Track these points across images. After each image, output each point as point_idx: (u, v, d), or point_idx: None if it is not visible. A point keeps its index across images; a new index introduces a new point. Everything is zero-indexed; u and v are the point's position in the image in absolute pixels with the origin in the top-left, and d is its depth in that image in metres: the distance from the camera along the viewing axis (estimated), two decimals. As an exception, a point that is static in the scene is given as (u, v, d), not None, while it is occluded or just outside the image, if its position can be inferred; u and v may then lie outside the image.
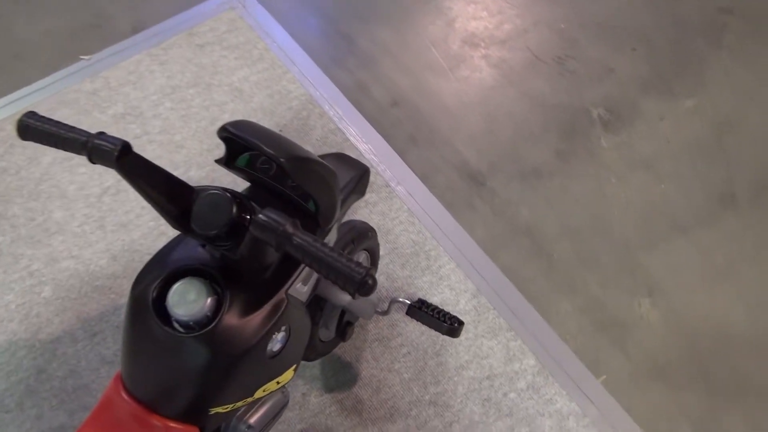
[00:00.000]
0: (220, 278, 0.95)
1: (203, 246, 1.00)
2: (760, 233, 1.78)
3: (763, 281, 1.70)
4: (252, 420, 1.16)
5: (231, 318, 0.93)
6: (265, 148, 0.94)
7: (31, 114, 0.90)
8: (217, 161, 1.07)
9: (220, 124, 1.91)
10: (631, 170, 1.89)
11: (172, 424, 0.97)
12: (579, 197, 1.84)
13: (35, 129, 0.89)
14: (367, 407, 1.52)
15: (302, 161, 0.96)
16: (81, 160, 1.86)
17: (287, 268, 1.03)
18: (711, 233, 1.78)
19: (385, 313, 1.46)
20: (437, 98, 2.03)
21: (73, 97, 1.98)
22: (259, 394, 1.08)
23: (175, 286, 0.92)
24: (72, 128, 0.89)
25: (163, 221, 1.72)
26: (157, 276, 0.95)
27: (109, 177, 1.83)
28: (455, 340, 1.61)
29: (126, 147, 0.87)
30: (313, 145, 1.90)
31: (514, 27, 2.21)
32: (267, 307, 0.99)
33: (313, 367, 1.56)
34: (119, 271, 1.70)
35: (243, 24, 2.15)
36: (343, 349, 1.59)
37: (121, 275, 1.70)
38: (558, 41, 2.18)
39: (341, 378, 1.56)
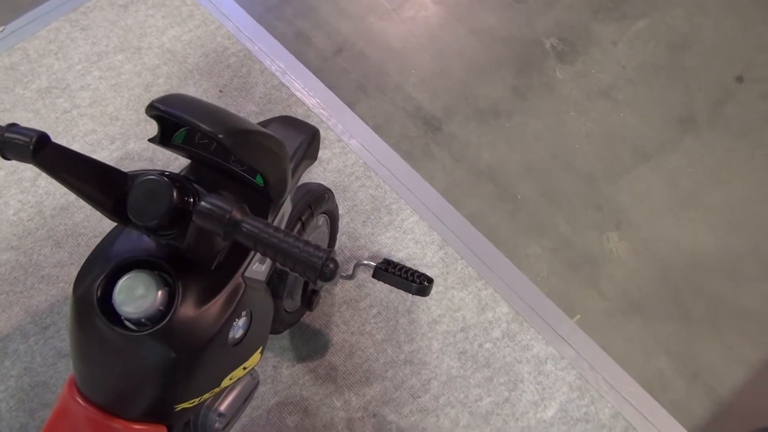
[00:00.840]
0: (170, 268, 0.87)
1: (148, 235, 0.91)
2: (721, 154, 1.76)
3: (728, 202, 1.69)
4: (222, 407, 1.11)
5: (186, 310, 0.86)
6: (200, 124, 0.84)
7: None
8: (151, 140, 0.97)
9: (155, 90, 1.80)
10: (590, 100, 1.83)
11: (136, 426, 0.92)
12: (539, 134, 1.78)
13: None
14: (341, 373, 1.48)
15: (244, 135, 0.86)
16: (7, 143, 1.73)
17: (241, 250, 0.96)
18: (673, 158, 1.75)
19: (350, 277, 1.40)
20: (383, 42, 1.93)
21: (-10, 74, 1.83)
22: (225, 383, 1.02)
23: (121, 282, 0.84)
24: None
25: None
26: (100, 272, 0.87)
27: (41, 159, 1.71)
28: (425, 294, 1.56)
29: (42, 138, 0.78)
30: (257, 104, 1.79)
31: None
32: (223, 294, 0.92)
33: (282, 339, 1.51)
34: (65, 258, 1.60)
35: (168, -23, 1.99)
36: (311, 317, 1.53)
37: (67, 262, 1.60)
38: (504, -30, 2.08)
39: (312, 346, 1.51)
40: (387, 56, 1.90)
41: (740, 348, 1.51)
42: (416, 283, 1.32)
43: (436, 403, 1.45)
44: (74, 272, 1.57)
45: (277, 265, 0.82)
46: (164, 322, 0.84)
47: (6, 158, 0.80)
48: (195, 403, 0.98)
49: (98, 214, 1.65)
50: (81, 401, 0.92)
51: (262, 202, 1.00)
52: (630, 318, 1.55)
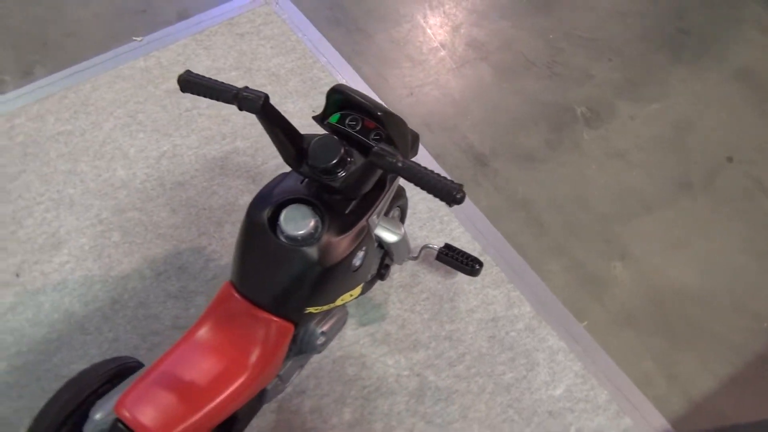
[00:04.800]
0: (320, 206, 1.24)
1: (301, 182, 1.29)
2: (710, 213, 2.17)
3: (711, 251, 2.09)
4: (325, 327, 1.44)
5: (329, 236, 1.20)
6: (369, 104, 1.25)
7: (189, 72, 1.17)
8: (314, 117, 1.36)
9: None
10: (608, 159, 2.26)
11: (275, 319, 1.25)
12: (565, 179, 2.20)
13: (194, 83, 1.16)
14: (393, 339, 1.84)
15: (391, 114, 1.27)
16: (139, 127, 2.13)
17: (368, 202, 1.33)
18: (671, 212, 2.16)
19: (416, 258, 1.78)
20: (446, 90, 2.37)
21: (128, 73, 2.24)
22: (338, 302, 1.37)
23: (287, 210, 1.20)
24: (222, 83, 1.17)
25: (215, 182, 2.01)
26: (269, 204, 1.23)
27: (165, 143, 2.10)
28: (465, 288, 1.93)
29: (267, 98, 1.16)
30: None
31: (510, 35, 2.57)
32: (354, 231, 1.28)
33: (350, 306, 1.87)
34: (179, 222, 1.97)
35: (277, 18, 2.45)
36: (373, 293, 1.90)
37: (180, 225, 1.96)
38: (546, 49, 2.55)
39: (372, 316, 1.87)
40: (448, 102, 2.34)
41: (711, 363, 1.89)
42: (470, 265, 1.71)
43: (468, 372, 1.80)
44: (186, 234, 1.94)
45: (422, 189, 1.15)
46: (314, 242, 1.20)
47: (240, 109, 1.17)
48: (318, 311, 1.33)
49: (207, 191, 2.03)
50: (237, 296, 1.27)
51: None
52: (625, 328, 1.93)
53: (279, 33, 2.41)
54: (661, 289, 2.01)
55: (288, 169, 1.27)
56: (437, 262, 1.88)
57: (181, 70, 2.31)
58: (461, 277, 1.94)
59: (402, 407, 1.73)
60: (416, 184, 1.09)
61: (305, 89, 2.28)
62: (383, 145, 1.10)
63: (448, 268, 1.93)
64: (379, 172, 1.20)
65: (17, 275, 1.84)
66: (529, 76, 2.46)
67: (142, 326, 1.79)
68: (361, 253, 1.34)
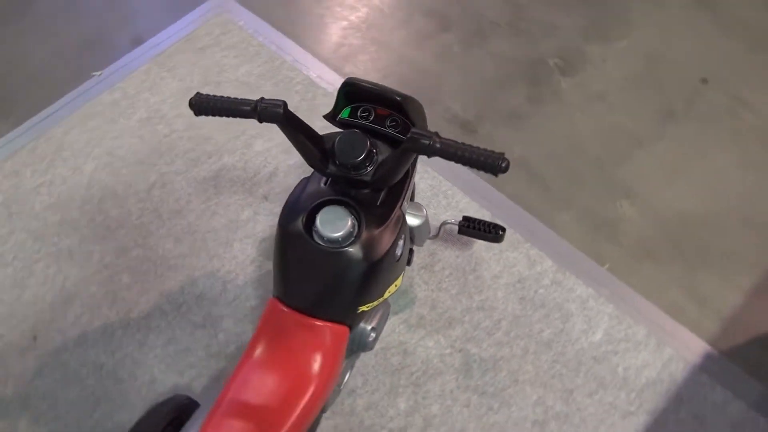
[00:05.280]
0: (352, 203, 1.22)
1: (325, 183, 1.27)
2: (699, 136, 2.21)
3: (708, 172, 2.13)
4: (374, 323, 1.42)
5: (369, 231, 1.18)
6: (385, 90, 1.23)
7: (200, 95, 1.13)
8: (325, 116, 1.34)
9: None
10: (589, 103, 2.28)
11: (330, 324, 1.23)
12: (554, 130, 2.21)
13: (208, 106, 1.13)
14: (428, 321, 1.83)
15: (409, 97, 1.25)
16: (121, 163, 2.06)
17: (397, 190, 1.31)
18: (662, 143, 2.20)
19: (436, 236, 1.78)
20: (417, 66, 2.36)
21: (98, 109, 2.17)
22: (386, 295, 1.36)
23: (322, 213, 1.18)
24: (236, 99, 1.13)
25: (212, 202, 1.97)
26: (300, 211, 1.21)
27: (152, 173, 2.04)
28: (484, 256, 1.93)
29: (286, 104, 1.14)
30: (322, 121, 2.17)
31: (467, 1, 2.57)
32: (392, 220, 1.27)
33: (378, 298, 1.85)
34: (186, 250, 1.92)
35: (234, 26, 2.39)
36: (397, 280, 1.88)
37: (188, 254, 1.92)
38: (507, 7, 2.55)
39: (401, 302, 1.86)
40: (422, 77, 2.33)
41: (733, 279, 1.93)
42: (493, 232, 1.71)
43: (507, 338, 1.81)
44: (195, 262, 1.90)
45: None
46: (357, 239, 1.18)
47: (261, 121, 1.14)
48: (369, 308, 1.31)
49: (207, 213, 1.98)
50: (286, 309, 1.24)
51: None
52: (645, 263, 1.96)
53: (239, 40, 2.35)
54: (670, 218, 2.04)
55: (307, 174, 1.26)
56: (451, 237, 1.88)
57: (149, 97, 2.27)
58: (478, 247, 1.94)
59: (453, 385, 1.73)
60: (457, 161, 1.08)
61: (279, 92, 2.24)
62: (418, 130, 1.09)
63: (464, 240, 1.93)
64: (413, 157, 1.18)
65: (34, 338, 1.77)
66: (495, 37, 2.46)
67: (175, 362, 1.75)
68: (401, 242, 1.33)
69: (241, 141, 2.11)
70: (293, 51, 2.35)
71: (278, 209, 1.95)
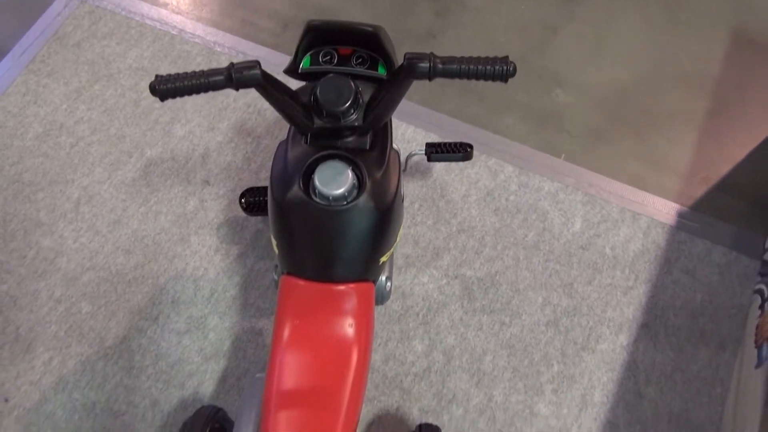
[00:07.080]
0: (344, 154, 1.13)
1: (305, 141, 1.17)
2: (605, 12, 2.24)
3: (623, 43, 2.17)
4: (387, 272, 1.35)
5: (373, 178, 1.11)
6: (358, 24, 1.13)
7: (159, 77, 0.98)
8: (286, 71, 1.23)
9: (145, 102, 1.97)
10: (495, 3, 2.25)
11: (354, 285, 1.16)
12: (472, 37, 2.17)
13: (173, 88, 0.98)
14: (415, 258, 1.78)
15: (380, 27, 1.16)
16: (33, 188, 1.83)
17: (383, 129, 1.24)
18: (573, 25, 2.20)
19: (404, 171, 1.71)
20: (317, 5, 2.22)
21: (-17, 138, 1.90)
22: (396, 240, 1.29)
23: (319, 173, 1.08)
24: (203, 72, 1.00)
25: (150, 202, 1.81)
26: (294, 177, 1.10)
27: (72, 190, 1.83)
28: (447, 179, 1.89)
29: (260, 63, 1.02)
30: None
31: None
32: (389, 161, 1.20)
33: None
34: (141, 259, 1.75)
35: (104, 11, 2.14)
36: (370, 227, 1.81)
37: (144, 262, 1.75)
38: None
39: (382, 248, 1.79)
40: (327, 16, 2.20)
41: (678, 135, 2.00)
42: (461, 152, 1.66)
43: (496, 251, 1.79)
44: (155, 267, 1.74)
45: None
46: (364, 191, 1.09)
47: (238, 89, 1.02)
48: (388, 256, 1.24)
49: (150, 214, 1.81)
50: (304, 282, 1.15)
51: None
52: (598, 144, 1.99)
53: (116, 25, 2.12)
54: (606, 95, 2.07)
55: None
56: (410, 169, 1.82)
57: (38, 110, 2.02)
58: (438, 173, 1.89)
59: (460, 313, 1.71)
60: (463, 77, 1.03)
61: (180, 68, 2.04)
62: (413, 53, 1.02)
63: (422, 169, 1.88)
64: (408, 87, 1.10)
65: (6, 401, 1.57)
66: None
67: (172, 377, 1.62)
68: (402, 181, 1.26)
69: (157, 131, 1.93)
70: (175, 21, 2.15)
71: (223, 192, 1.82)
